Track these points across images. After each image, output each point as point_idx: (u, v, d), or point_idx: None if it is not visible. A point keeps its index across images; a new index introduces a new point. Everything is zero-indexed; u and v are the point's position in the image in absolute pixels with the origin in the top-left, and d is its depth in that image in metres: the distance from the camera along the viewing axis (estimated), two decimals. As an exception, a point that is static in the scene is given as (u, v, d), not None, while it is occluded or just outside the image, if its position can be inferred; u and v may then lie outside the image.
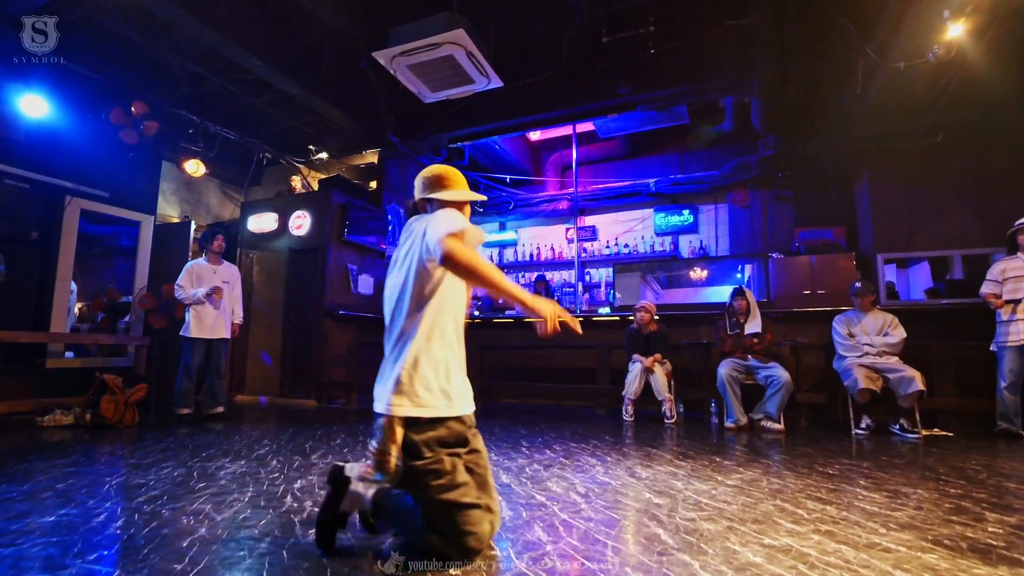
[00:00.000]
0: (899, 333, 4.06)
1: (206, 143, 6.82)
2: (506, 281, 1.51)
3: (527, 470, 2.73)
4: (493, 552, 1.61)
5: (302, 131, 7.41)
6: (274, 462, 2.90)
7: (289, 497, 2.20)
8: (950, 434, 3.89)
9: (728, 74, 4.97)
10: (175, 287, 4.73)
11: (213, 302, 4.72)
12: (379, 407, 1.59)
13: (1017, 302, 3.82)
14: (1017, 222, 3.94)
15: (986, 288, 4.04)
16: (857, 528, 1.83)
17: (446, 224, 1.49)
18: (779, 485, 2.41)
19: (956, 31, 3.50)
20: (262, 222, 7.00)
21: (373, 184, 7.70)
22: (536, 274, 8.37)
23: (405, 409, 1.55)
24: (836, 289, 5.73)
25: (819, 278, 5.94)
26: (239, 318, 5.00)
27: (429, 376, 1.59)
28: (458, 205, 1.75)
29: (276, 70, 5.56)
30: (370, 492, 1.71)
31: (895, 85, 4.51)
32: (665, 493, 2.26)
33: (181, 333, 4.71)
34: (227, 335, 4.84)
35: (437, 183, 1.78)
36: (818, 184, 6.41)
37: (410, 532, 1.59)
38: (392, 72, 5.28)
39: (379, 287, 7.15)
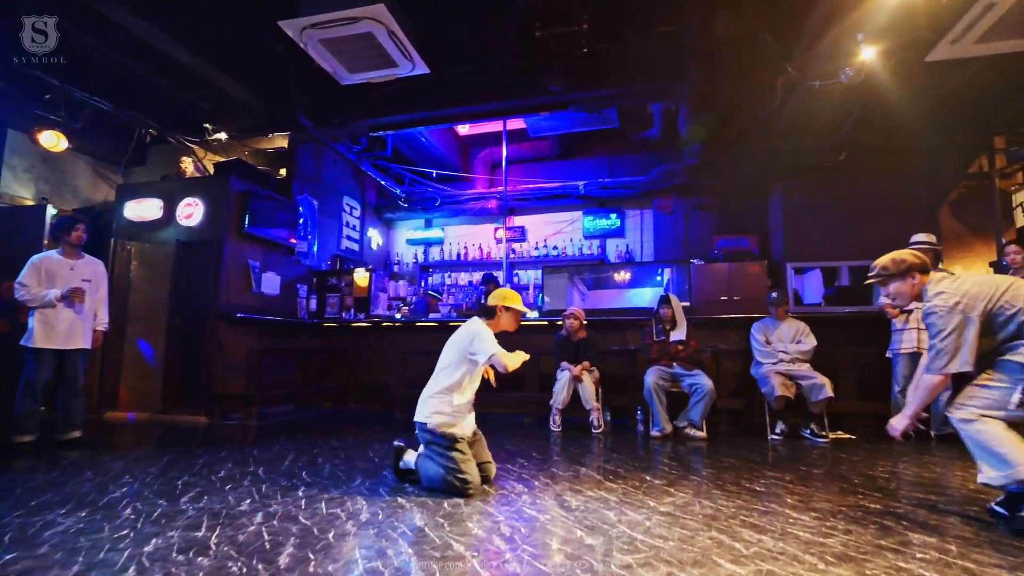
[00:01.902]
0: (811, 341, 4.23)
1: (70, 112, 5.77)
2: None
3: (445, 504, 2.40)
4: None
5: (197, 107, 6.50)
6: (127, 511, 2.33)
7: (133, 569, 1.71)
8: (853, 436, 4.10)
9: (660, 79, 4.94)
10: (15, 285, 3.83)
11: (72, 305, 3.90)
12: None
13: (909, 312, 4.09)
14: (912, 239, 4.19)
15: (883, 299, 4.29)
16: (796, 564, 1.71)
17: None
18: (712, 509, 2.29)
19: (868, 54, 3.64)
20: (143, 209, 6.04)
21: (283, 172, 6.96)
22: (483, 273, 7.71)
23: None
24: (750, 295, 5.96)
25: (735, 284, 6.16)
26: (103, 324, 4.18)
27: None
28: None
29: (161, 31, 4.78)
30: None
31: (809, 103, 4.71)
32: (597, 529, 2.05)
33: (22, 342, 3.84)
34: (86, 344, 4.02)
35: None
36: (737, 193, 6.66)
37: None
38: (303, 46, 4.71)
39: (287, 287, 6.46)
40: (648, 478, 2.88)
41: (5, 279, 4.55)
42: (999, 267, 4.66)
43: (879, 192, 5.65)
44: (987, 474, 2.02)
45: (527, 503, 2.43)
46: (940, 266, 4.08)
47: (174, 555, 1.84)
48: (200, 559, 1.80)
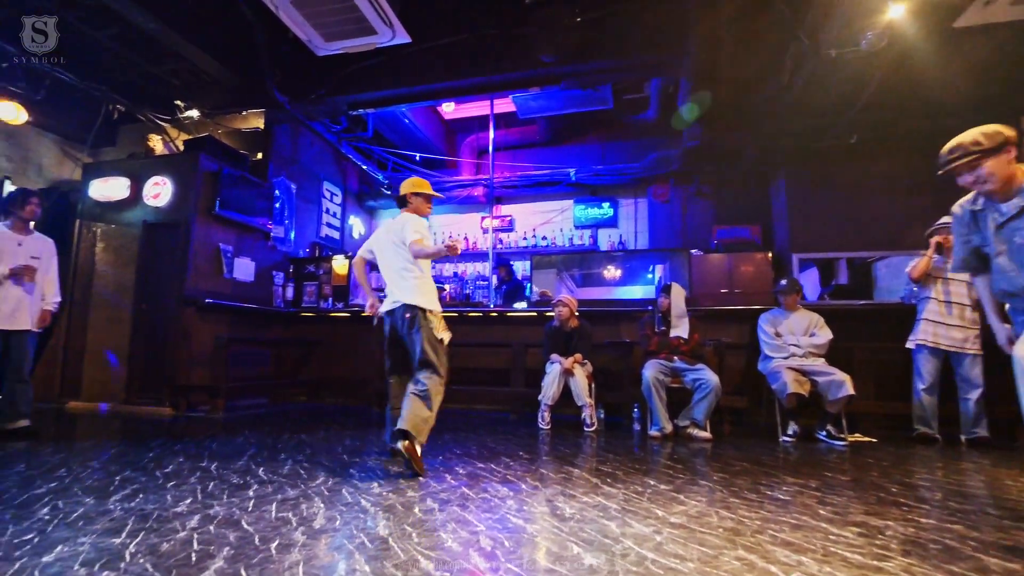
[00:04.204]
0: (826, 334, 3.89)
1: (30, 83, 5.35)
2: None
3: (416, 510, 2.05)
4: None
5: (167, 82, 6.11)
6: (45, 511, 1.97)
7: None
8: (874, 440, 3.77)
9: (657, 51, 4.60)
10: (-41, 259, 3.46)
11: (20, 283, 3.54)
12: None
13: (949, 303, 3.73)
14: (940, 221, 3.85)
15: (936, 238, 3.75)
16: (847, 591, 1.37)
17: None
18: (732, 521, 1.95)
19: (897, 12, 3.31)
20: (109, 188, 5.63)
21: (259, 155, 6.54)
22: (500, 260, 7.20)
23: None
24: (752, 288, 5.65)
25: (736, 276, 5.85)
26: (52, 304, 3.80)
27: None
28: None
29: (121, -8, 4.38)
30: None
31: (821, 78, 4.38)
32: (598, 544, 1.70)
33: (-36, 323, 3.45)
34: (32, 326, 3.64)
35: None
36: (737, 181, 6.35)
37: None
38: (273, 8, 4.34)
39: (262, 273, 6.06)
40: (652, 482, 2.54)
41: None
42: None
43: (892, 178, 5.36)
44: None
45: (512, 510, 2.08)
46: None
47: (75, 567, 1.48)
48: (105, 573, 1.45)
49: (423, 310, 2.76)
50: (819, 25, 3.76)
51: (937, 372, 3.69)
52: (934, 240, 3.71)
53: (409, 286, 2.82)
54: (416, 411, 2.61)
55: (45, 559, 1.53)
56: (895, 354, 4.02)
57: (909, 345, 3.83)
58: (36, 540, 1.67)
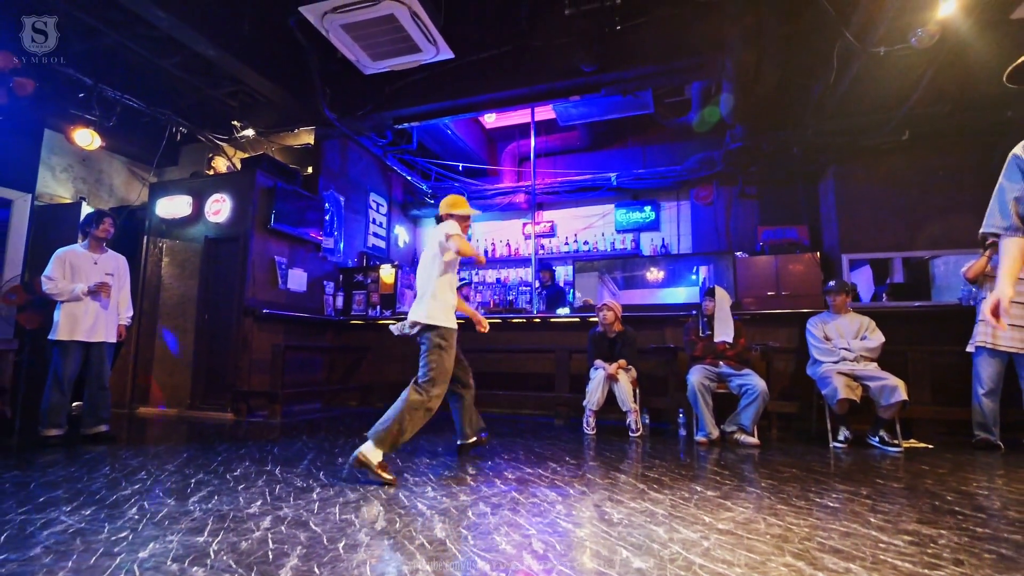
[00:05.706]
0: (877, 337, 3.77)
1: (103, 111, 5.81)
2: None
3: (470, 513, 2.15)
4: None
5: (225, 103, 6.51)
6: (133, 511, 2.18)
7: (117, 580, 1.52)
8: (930, 446, 3.63)
9: (699, 54, 4.57)
10: (42, 280, 3.83)
11: (98, 299, 3.88)
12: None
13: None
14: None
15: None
16: (900, 602, 1.37)
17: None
18: (780, 528, 1.96)
19: (948, 8, 3.21)
20: (173, 206, 6.05)
21: (310, 169, 6.88)
22: (543, 266, 7.34)
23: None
24: (801, 290, 5.51)
25: (783, 278, 5.71)
26: (127, 319, 4.14)
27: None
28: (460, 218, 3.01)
29: (185, 24, 4.72)
30: None
31: (870, 75, 4.26)
32: (646, 549, 1.75)
33: (50, 336, 3.82)
34: (110, 338, 3.98)
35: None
36: (783, 181, 6.20)
37: None
38: (324, 33, 4.58)
39: (314, 284, 6.37)
40: (699, 488, 2.55)
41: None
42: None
43: (947, 174, 5.12)
44: None
45: (562, 514, 2.15)
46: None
47: (168, 563, 1.65)
48: (195, 569, 1.61)
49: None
50: (866, 23, 3.66)
51: (999, 376, 3.53)
52: (993, 240, 3.55)
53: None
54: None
55: (141, 555, 1.71)
56: (953, 357, 3.86)
57: (969, 348, 3.67)
58: (130, 538, 1.86)
